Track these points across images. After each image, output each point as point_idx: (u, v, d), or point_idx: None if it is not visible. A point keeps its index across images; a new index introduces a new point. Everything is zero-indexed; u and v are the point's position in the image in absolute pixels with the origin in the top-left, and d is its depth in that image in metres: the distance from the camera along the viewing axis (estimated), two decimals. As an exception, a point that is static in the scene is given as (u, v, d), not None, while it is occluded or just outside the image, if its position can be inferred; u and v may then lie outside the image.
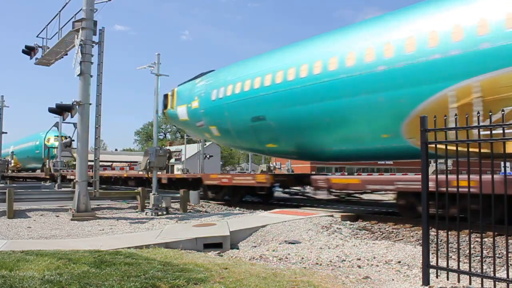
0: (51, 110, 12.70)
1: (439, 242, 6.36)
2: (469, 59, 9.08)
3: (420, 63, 9.81)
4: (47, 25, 14.78)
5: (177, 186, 17.77)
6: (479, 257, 6.07)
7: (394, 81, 10.32)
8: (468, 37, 9.15)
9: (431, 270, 4.87)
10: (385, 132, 11.19)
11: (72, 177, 21.69)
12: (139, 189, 14.46)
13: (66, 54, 14.71)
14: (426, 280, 4.83)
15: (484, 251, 5.98)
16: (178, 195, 14.40)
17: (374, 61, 10.71)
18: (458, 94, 9.24)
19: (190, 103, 17.33)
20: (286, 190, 15.90)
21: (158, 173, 14.86)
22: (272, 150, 15.97)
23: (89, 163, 13.13)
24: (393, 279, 5.23)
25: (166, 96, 19.35)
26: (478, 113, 4.62)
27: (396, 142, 11.02)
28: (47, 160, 28.64)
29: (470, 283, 4.62)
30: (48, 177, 27.06)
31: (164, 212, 12.95)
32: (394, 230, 9.19)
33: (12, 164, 41.08)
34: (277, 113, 13.49)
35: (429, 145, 4.94)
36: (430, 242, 4.97)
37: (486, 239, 7.47)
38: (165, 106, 19.38)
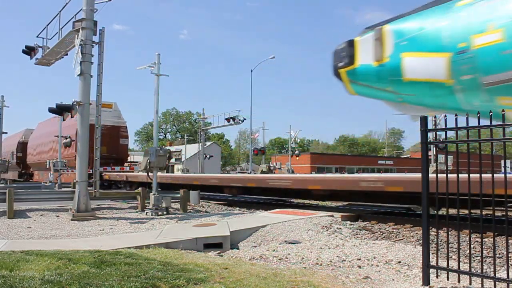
0: (51, 110, 12.70)
1: (439, 242, 6.36)
2: None
3: None
4: (47, 25, 14.78)
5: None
6: (479, 257, 6.07)
7: None
8: None
9: (431, 270, 4.87)
10: None
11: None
12: (139, 189, 14.48)
13: (66, 54, 14.71)
14: (426, 280, 4.83)
15: (484, 251, 5.97)
16: (178, 195, 14.42)
17: None
18: None
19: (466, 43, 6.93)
20: None
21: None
22: None
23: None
24: (393, 279, 5.23)
25: (351, 44, 8.33)
26: (478, 113, 4.60)
27: None
28: None
29: (470, 283, 4.62)
30: None
31: (164, 212, 12.96)
32: (394, 230, 9.19)
33: None
34: None
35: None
36: (430, 242, 4.97)
37: (486, 239, 7.47)
38: (348, 61, 8.40)
